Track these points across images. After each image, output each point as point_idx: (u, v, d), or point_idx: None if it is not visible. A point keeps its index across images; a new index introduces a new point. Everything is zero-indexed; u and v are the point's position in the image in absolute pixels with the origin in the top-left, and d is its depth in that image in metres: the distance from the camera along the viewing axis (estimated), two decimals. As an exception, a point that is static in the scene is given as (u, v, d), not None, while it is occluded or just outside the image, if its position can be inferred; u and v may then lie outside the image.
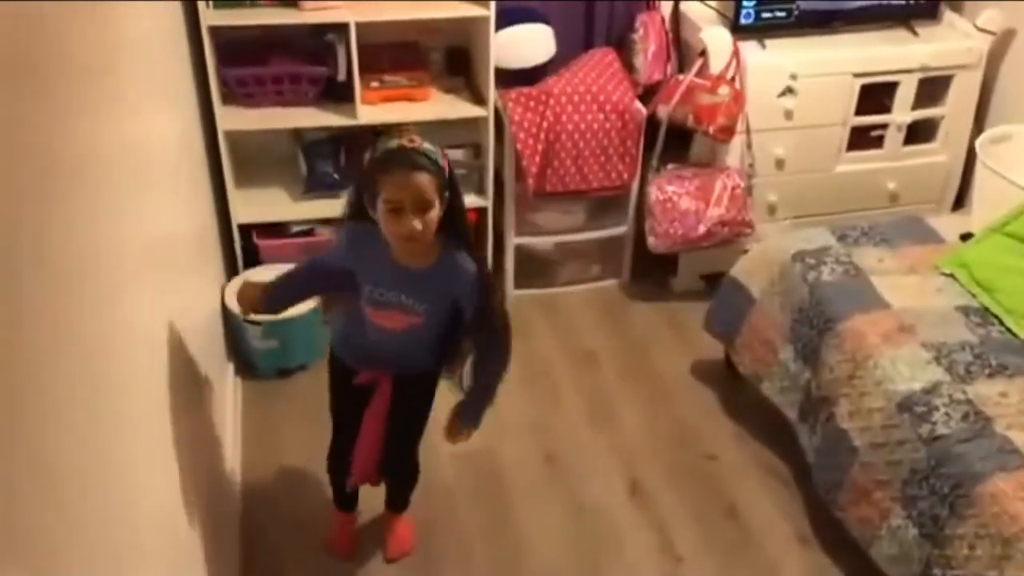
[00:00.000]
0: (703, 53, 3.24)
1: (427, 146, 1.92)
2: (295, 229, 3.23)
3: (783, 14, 3.31)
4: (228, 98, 3.05)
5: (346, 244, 2.11)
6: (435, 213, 1.93)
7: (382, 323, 2.12)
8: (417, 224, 1.90)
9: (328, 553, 2.55)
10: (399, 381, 2.23)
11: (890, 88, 3.39)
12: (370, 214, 1.97)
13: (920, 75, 3.36)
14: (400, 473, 2.48)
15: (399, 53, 3.21)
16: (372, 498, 2.58)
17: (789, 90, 3.27)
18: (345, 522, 2.58)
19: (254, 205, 3.22)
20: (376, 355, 2.20)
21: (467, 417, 2.26)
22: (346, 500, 2.55)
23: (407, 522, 2.59)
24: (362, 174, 1.97)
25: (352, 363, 2.25)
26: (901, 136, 3.47)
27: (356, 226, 2.04)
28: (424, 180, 1.88)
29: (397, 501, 2.57)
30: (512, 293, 3.53)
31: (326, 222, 3.26)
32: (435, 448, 2.86)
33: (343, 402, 2.35)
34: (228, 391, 2.89)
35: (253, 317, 2.94)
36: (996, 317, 2.54)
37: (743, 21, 3.27)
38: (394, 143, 1.91)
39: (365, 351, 2.21)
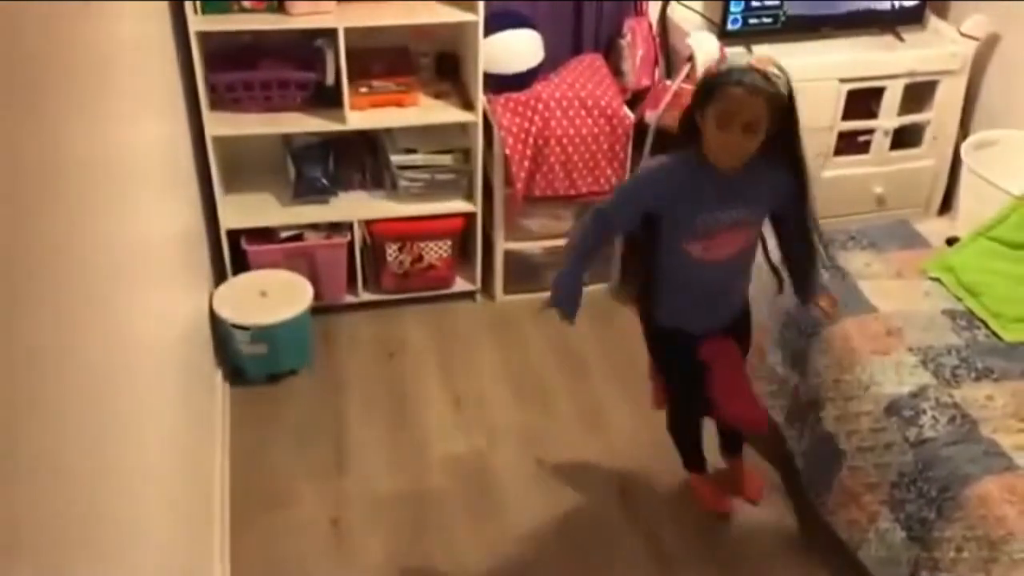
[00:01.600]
0: (690, 58, 3.25)
1: (774, 70, 2.04)
2: (284, 235, 3.23)
3: (770, 20, 3.33)
4: (216, 103, 3.05)
5: (664, 180, 2.18)
6: (759, 135, 2.03)
7: (715, 254, 2.21)
8: (738, 141, 2.02)
9: (715, 515, 2.68)
10: (734, 331, 2.39)
11: (876, 93, 3.42)
12: (697, 125, 2.07)
13: (906, 80, 3.39)
14: None
15: (388, 58, 3.21)
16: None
17: (776, 95, 3.28)
18: (710, 481, 2.71)
19: (243, 211, 3.21)
20: (702, 311, 2.32)
21: (819, 288, 2.42)
22: (700, 459, 2.69)
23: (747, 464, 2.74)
24: (702, 84, 2.10)
25: (691, 329, 2.34)
26: (887, 141, 3.50)
27: (670, 160, 2.17)
28: (760, 104, 2.00)
29: (738, 443, 2.70)
30: (502, 298, 3.53)
31: (315, 228, 3.26)
32: (425, 453, 2.87)
33: (680, 366, 2.43)
34: (216, 397, 2.88)
35: (241, 323, 2.95)
36: (982, 321, 2.56)
37: (730, 27, 3.29)
38: (742, 63, 2.05)
39: (697, 305, 2.31)
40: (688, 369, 2.40)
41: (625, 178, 3.37)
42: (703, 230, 2.17)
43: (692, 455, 2.71)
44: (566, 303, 2.31)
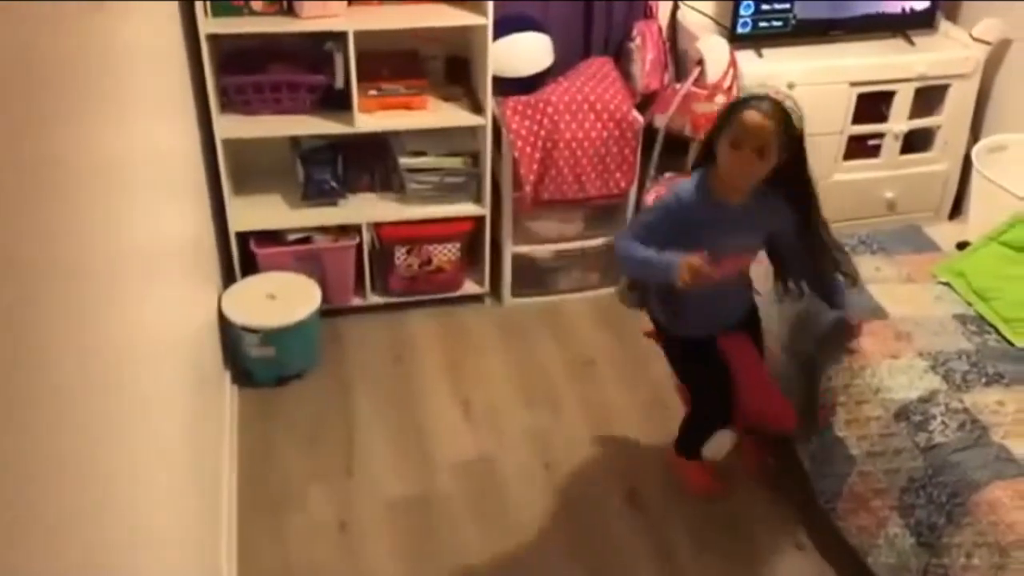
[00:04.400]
0: (700, 62, 3.25)
1: (790, 104, 2.12)
2: (292, 237, 3.24)
3: (780, 23, 3.33)
4: (226, 106, 3.06)
5: (684, 200, 2.26)
6: (769, 162, 2.13)
7: (722, 274, 2.27)
8: (749, 164, 2.11)
9: (707, 498, 2.73)
10: (746, 327, 2.52)
11: (887, 97, 3.41)
12: (714, 152, 2.18)
13: (917, 84, 3.38)
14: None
15: (397, 61, 3.22)
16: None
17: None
18: (710, 468, 2.77)
19: (252, 213, 3.22)
20: (722, 313, 2.46)
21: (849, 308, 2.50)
22: (697, 449, 2.74)
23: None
24: (720, 113, 2.21)
25: (704, 334, 2.47)
26: (898, 145, 3.49)
27: (684, 189, 2.27)
28: (772, 130, 2.09)
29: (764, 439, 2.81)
30: (510, 301, 3.53)
31: (324, 230, 3.26)
32: (433, 456, 2.87)
33: (706, 370, 2.51)
34: (225, 399, 2.89)
35: (250, 325, 2.95)
36: (992, 326, 2.54)
37: (740, 30, 3.28)
38: (762, 92, 2.15)
39: (709, 314, 2.43)
40: (710, 373, 2.50)
41: (634, 182, 3.38)
42: (710, 255, 2.20)
43: (693, 446, 2.75)
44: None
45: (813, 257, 2.37)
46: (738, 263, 2.36)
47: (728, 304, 2.49)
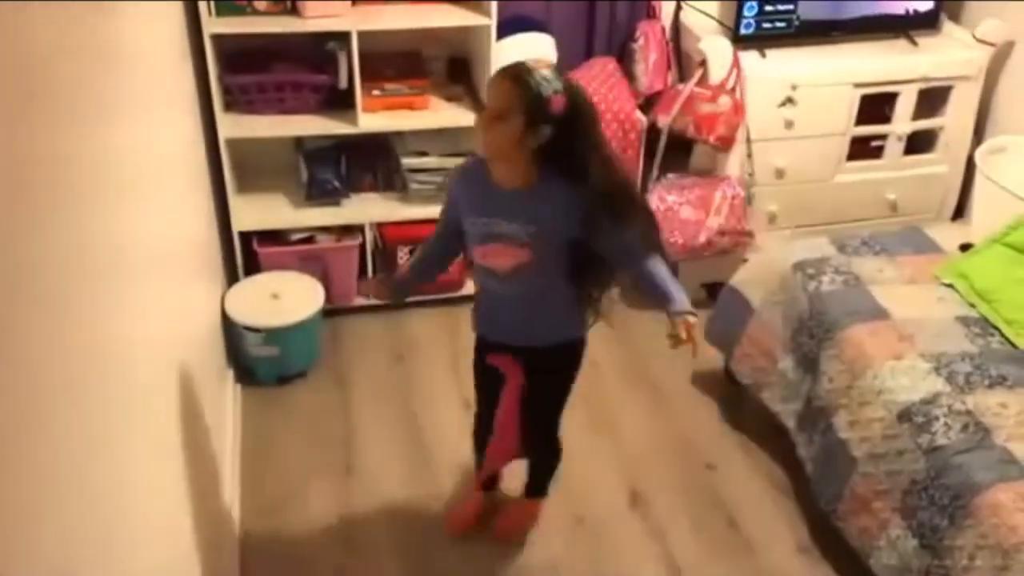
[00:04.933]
0: (703, 63, 3.25)
1: (543, 72, 1.88)
2: (295, 237, 3.24)
3: (783, 24, 3.32)
4: (230, 105, 3.06)
5: (454, 178, 2.14)
6: (509, 126, 1.87)
7: (492, 263, 2.07)
8: (486, 130, 1.90)
9: (447, 529, 2.60)
10: (531, 361, 2.19)
11: (890, 98, 3.40)
12: None
13: (920, 86, 3.37)
14: (539, 457, 2.47)
15: (400, 62, 3.22)
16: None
17: (789, 100, 3.28)
18: (471, 502, 2.61)
19: (255, 212, 3.22)
20: (504, 321, 2.18)
21: (678, 304, 2.07)
22: (489, 480, 2.57)
23: (533, 510, 2.60)
24: None
25: (487, 336, 2.26)
26: (901, 146, 3.48)
27: (467, 162, 2.11)
28: (507, 88, 1.87)
29: (532, 486, 2.56)
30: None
31: (326, 230, 3.26)
32: (435, 455, 2.87)
33: (480, 380, 2.36)
34: (228, 398, 2.89)
35: (253, 325, 2.96)
36: (996, 328, 2.54)
37: (743, 31, 3.28)
38: (522, 59, 1.93)
39: (493, 315, 2.20)
40: (480, 381, 2.35)
41: (636, 182, 3.37)
42: (476, 235, 2.07)
43: (477, 465, 2.56)
44: (395, 281, 2.31)
45: (618, 250, 2.05)
46: (508, 257, 2.04)
47: (506, 312, 2.17)
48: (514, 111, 1.87)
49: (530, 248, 2.02)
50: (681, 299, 2.08)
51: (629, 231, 2.02)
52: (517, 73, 1.88)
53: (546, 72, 1.89)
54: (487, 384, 2.32)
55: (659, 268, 2.08)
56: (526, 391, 2.23)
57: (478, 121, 1.94)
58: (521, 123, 1.87)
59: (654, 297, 2.09)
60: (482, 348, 2.30)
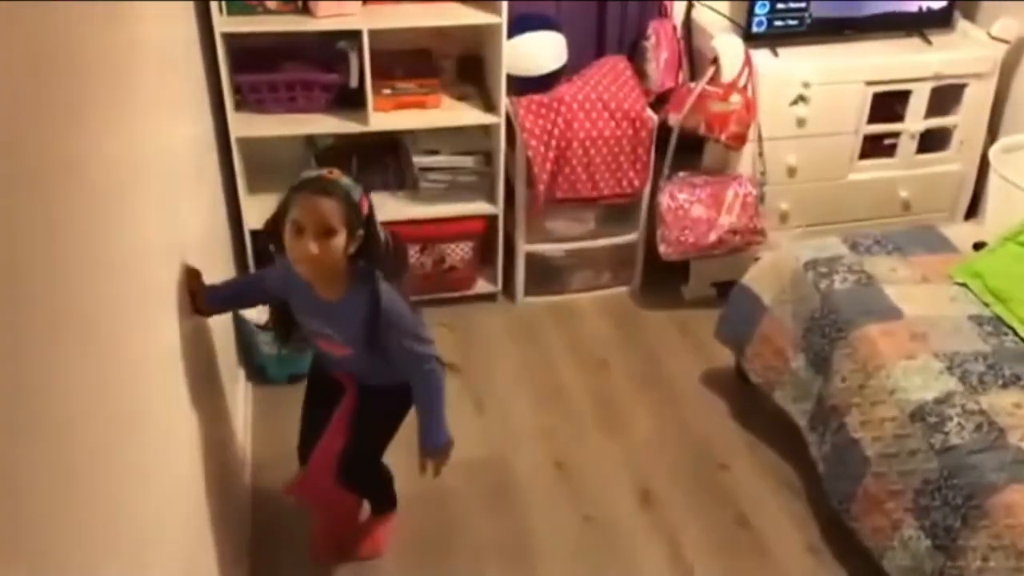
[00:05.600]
0: (715, 61, 3.24)
1: (345, 180, 1.97)
2: (307, 235, 3.24)
3: (795, 22, 3.31)
4: (241, 104, 3.07)
5: (281, 276, 2.12)
6: (337, 241, 1.93)
7: (326, 350, 2.19)
8: (313, 247, 1.91)
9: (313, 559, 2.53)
10: (364, 389, 2.26)
11: (903, 96, 3.38)
12: (284, 242, 1.97)
13: (933, 83, 3.35)
14: (359, 482, 2.44)
15: (411, 60, 3.22)
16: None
17: (801, 98, 3.26)
18: (327, 527, 2.53)
19: (266, 211, 3.15)
20: (340, 367, 2.24)
21: (425, 441, 2.21)
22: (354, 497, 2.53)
23: (385, 524, 2.57)
24: (280, 202, 1.99)
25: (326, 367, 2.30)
26: (914, 145, 3.46)
27: (284, 263, 2.05)
28: (329, 206, 1.91)
29: (372, 504, 2.57)
30: (523, 300, 3.53)
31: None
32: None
33: (313, 395, 2.39)
34: (239, 397, 2.90)
35: (263, 323, 2.96)
36: (1010, 327, 2.52)
37: (755, 29, 3.27)
38: (314, 173, 1.99)
39: (330, 362, 2.25)
40: (307, 394, 2.39)
41: (647, 181, 3.37)
42: (307, 329, 2.16)
43: None
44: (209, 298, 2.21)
45: (398, 359, 2.13)
46: (341, 350, 2.15)
47: (343, 364, 2.22)
48: (339, 225, 1.92)
49: (352, 347, 2.13)
50: (430, 436, 2.20)
51: (405, 342, 2.10)
52: (330, 189, 1.93)
53: (344, 178, 1.98)
54: (318, 403, 2.34)
55: (428, 389, 2.17)
56: (355, 413, 2.27)
57: (299, 244, 1.92)
58: (345, 235, 1.94)
59: (419, 414, 2.20)
60: (319, 366, 2.34)
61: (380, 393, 2.25)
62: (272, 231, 2.03)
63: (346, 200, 1.94)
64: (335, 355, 2.19)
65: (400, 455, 2.86)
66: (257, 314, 2.98)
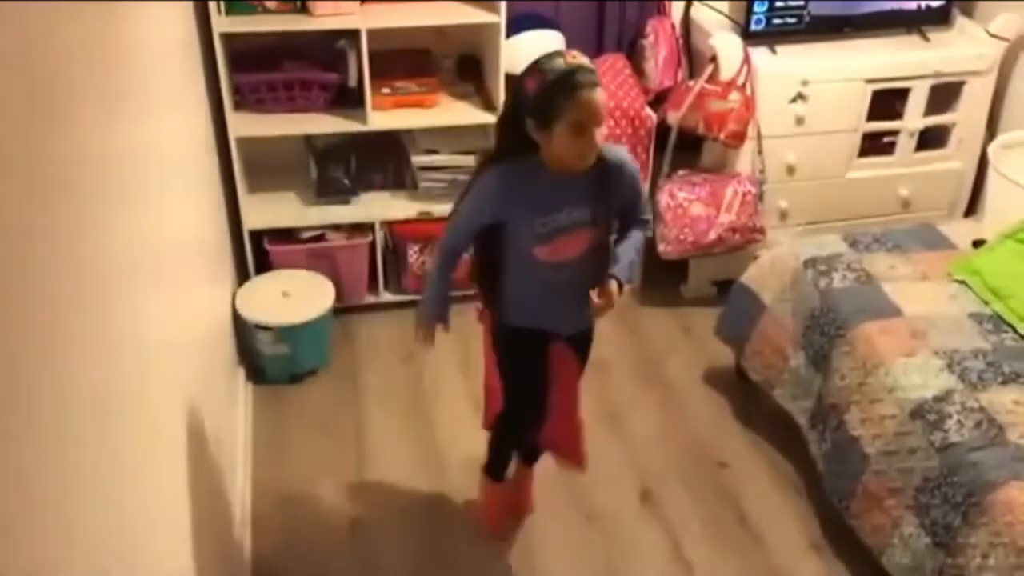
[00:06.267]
0: (714, 59, 3.24)
1: (587, 60, 1.95)
2: (306, 235, 3.24)
3: (794, 20, 3.31)
4: (240, 104, 3.07)
5: (500, 189, 2.06)
6: (602, 128, 1.96)
7: (561, 255, 2.11)
8: (598, 138, 1.95)
9: (491, 534, 2.60)
10: (576, 345, 2.34)
11: (902, 94, 3.38)
12: (532, 139, 1.97)
13: (932, 81, 3.35)
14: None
15: (410, 60, 3.22)
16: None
17: (800, 96, 3.26)
18: (499, 496, 2.60)
19: (265, 211, 3.23)
20: (553, 308, 2.22)
21: (620, 274, 2.17)
22: (504, 469, 2.58)
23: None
24: (533, 99, 1.93)
25: (534, 326, 2.25)
26: (913, 142, 3.46)
27: (503, 168, 2.05)
28: (602, 96, 1.93)
29: (526, 455, 2.61)
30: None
31: (337, 228, 3.27)
32: (445, 454, 2.87)
33: (527, 367, 2.32)
34: (238, 397, 2.90)
35: (263, 323, 2.96)
36: (1009, 325, 2.52)
37: (754, 27, 3.27)
38: (561, 62, 1.92)
39: (544, 306, 2.22)
40: (529, 372, 2.31)
41: (647, 179, 3.36)
42: (541, 235, 2.07)
43: (501, 462, 2.57)
44: (437, 317, 2.32)
45: (629, 204, 2.19)
46: (579, 243, 2.10)
47: (562, 301, 2.22)
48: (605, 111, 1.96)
49: (593, 226, 2.10)
50: (623, 266, 2.19)
51: (641, 188, 2.20)
52: (596, 79, 1.93)
53: (581, 55, 1.96)
54: (534, 370, 2.31)
55: (635, 233, 2.23)
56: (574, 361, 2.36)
57: (582, 141, 1.93)
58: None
59: (624, 253, 2.21)
60: (523, 337, 2.27)
61: (587, 334, 2.36)
62: (505, 148, 2.05)
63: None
64: (568, 263, 2.12)
65: (409, 452, 2.87)
66: (256, 314, 2.99)
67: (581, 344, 2.36)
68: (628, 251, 2.21)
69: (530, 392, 2.34)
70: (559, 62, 1.91)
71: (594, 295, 2.12)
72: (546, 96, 1.91)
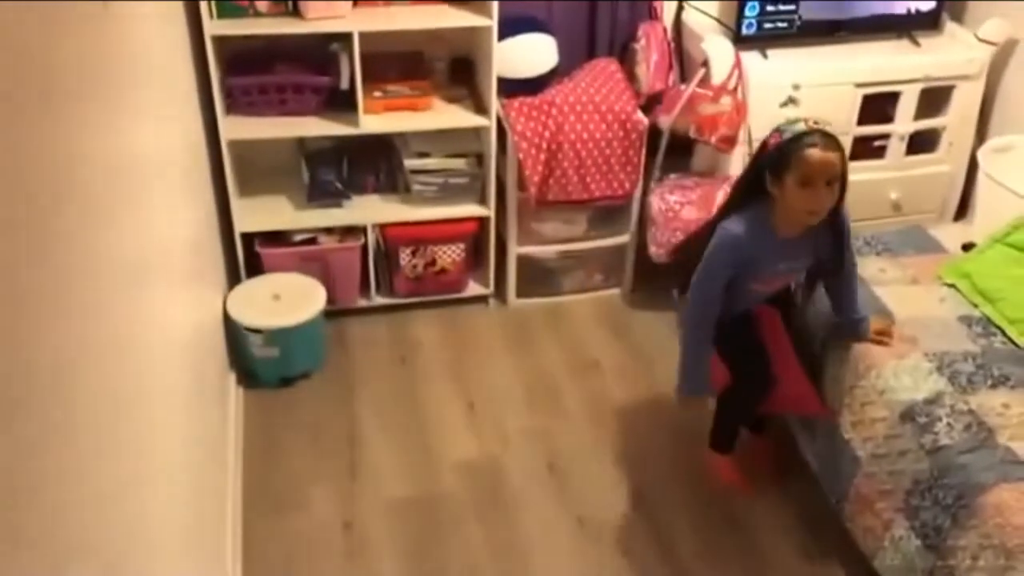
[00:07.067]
0: (705, 63, 3.25)
1: (828, 127, 2.19)
2: (298, 238, 3.24)
3: (785, 24, 3.32)
4: (231, 107, 3.06)
5: (733, 247, 2.32)
6: (835, 189, 2.20)
7: (768, 288, 2.49)
8: (824, 196, 2.18)
9: (737, 492, 2.75)
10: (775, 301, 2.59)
11: (892, 98, 3.40)
12: (768, 190, 2.24)
13: (922, 85, 3.37)
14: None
15: (402, 63, 3.22)
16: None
17: (791, 100, 3.27)
18: (730, 462, 2.78)
19: (257, 214, 3.22)
20: (758, 300, 2.54)
21: (862, 314, 2.51)
22: (733, 442, 2.78)
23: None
24: (771, 153, 2.22)
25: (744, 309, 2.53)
26: (903, 146, 3.48)
27: (732, 230, 2.30)
28: (839, 158, 2.17)
29: (763, 425, 2.86)
30: (514, 302, 3.53)
31: (329, 231, 3.27)
32: (438, 457, 2.87)
33: (745, 339, 2.54)
34: (230, 399, 2.89)
35: (254, 326, 2.96)
36: (998, 328, 2.54)
37: (745, 31, 3.28)
38: (801, 125, 2.19)
39: (753, 300, 2.53)
40: (749, 343, 2.54)
41: (638, 183, 3.37)
42: (761, 276, 2.41)
43: (729, 437, 2.78)
44: (702, 388, 2.53)
45: (842, 269, 2.47)
46: (789, 279, 2.55)
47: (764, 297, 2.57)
48: (841, 176, 2.20)
49: (802, 273, 2.54)
50: (861, 306, 2.51)
51: (847, 242, 2.45)
52: (837, 143, 2.18)
53: (831, 128, 2.20)
54: (747, 341, 2.54)
55: (854, 278, 2.52)
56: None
57: (814, 195, 2.18)
58: (844, 183, 2.22)
59: (842, 298, 2.51)
60: (735, 322, 2.51)
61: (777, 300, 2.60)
62: (752, 183, 2.29)
63: (843, 154, 2.19)
64: (769, 291, 2.50)
65: (402, 454, 2.87)
66: (247, 317, 2.98)
67: (778, 301, 2.59)
68: (853, 293, 2.50)
69: (756, 360, 2.54)
70: (799, 125, 2.19)
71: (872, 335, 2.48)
72: (781, 151, 2.19)
